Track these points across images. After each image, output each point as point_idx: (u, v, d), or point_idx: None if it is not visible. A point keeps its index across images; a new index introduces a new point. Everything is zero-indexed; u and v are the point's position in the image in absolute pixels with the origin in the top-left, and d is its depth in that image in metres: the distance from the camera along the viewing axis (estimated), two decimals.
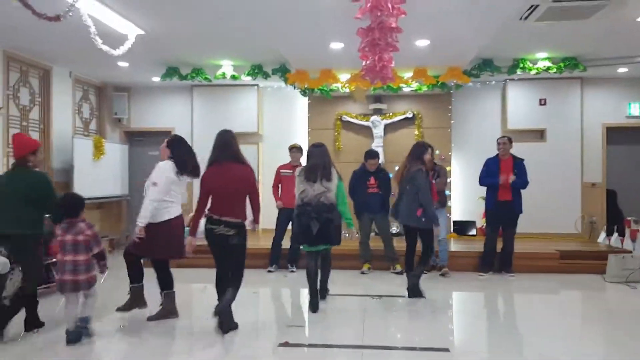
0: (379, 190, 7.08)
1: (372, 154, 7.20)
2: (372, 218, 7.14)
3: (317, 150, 5.39)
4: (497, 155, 7.03)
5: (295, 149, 7.32)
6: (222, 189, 4.49)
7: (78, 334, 4.23)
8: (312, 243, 5.20)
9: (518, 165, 6.90)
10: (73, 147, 8.36)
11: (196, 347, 4.23)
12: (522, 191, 6.87)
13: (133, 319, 4.87)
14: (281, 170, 7.32)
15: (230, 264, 4.58)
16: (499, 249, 7.02)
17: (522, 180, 6.82)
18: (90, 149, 8.74)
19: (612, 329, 4.79)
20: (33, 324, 4.60)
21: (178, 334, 4.67)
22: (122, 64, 8.14)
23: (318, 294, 5.33)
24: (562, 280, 6.74)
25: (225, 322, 4.50)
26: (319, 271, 5.44)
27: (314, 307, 5.20)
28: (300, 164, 7.24)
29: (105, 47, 5.91)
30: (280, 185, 7.31)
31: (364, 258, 7.22)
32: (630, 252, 7.19)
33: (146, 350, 4.18)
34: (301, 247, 5.61)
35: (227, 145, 4.71)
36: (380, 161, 7.42)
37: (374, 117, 9.19)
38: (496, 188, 6.86)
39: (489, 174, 6.95)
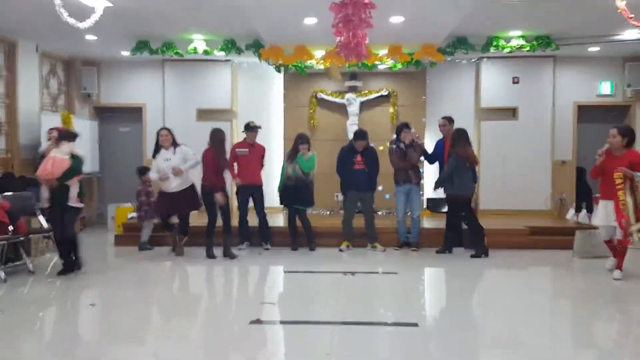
0: (365, 167, 7.11)
1: (360, 135, 7.21)
2: (360, 196, 7.18)
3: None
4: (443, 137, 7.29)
5: (254, 128, 7.26)
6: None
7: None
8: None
9: None
10: (40, 122, 8.15)
11: (169, 325, 4.21)
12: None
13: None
14: (237, 149, 7.26)
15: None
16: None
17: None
18: (58, 125, 8.50)
19: (578, 305, 4.92)
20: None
21: (153, 308, 4.65)
22: (90, 37, 7.92)
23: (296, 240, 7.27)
24: (531, 256, 6.87)
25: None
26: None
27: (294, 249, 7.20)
28: (255, 142, 7.21)
29: (71, 20, 5.71)
30: (236, 164, 7.23)
31: (346, 237, 7.28)
32: (597, 228, 7.34)
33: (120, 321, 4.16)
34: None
35: (219, 141, 6.71)
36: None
37: (349, 95, 9.15)
38: (442, 167, 7.16)
39: (434, 155, 7.31)
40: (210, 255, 6.66)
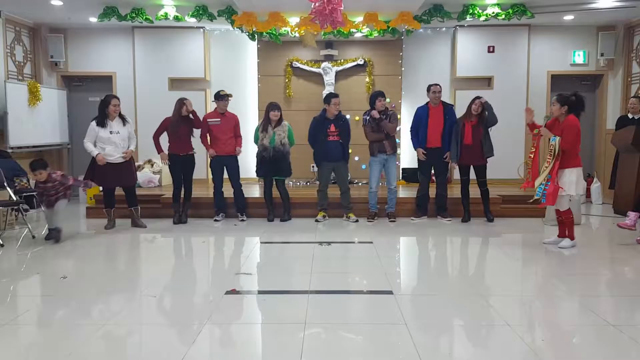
0: (340, 138, 7.06)
1: (333, 94, 7.24)
2: (333, 167, 7.16)
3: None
4: (427, 103, 7.12)
5: (224, 96, 7.12)
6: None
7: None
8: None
9: (449, 111, 7.06)
10: (6, 92, 7.88)
11: (143, 297, 4.17)
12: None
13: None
14: (208, 120, 7.15)
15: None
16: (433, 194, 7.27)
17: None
18: (25, 95, 8.27)
19: (547, 268, 5.03)
20: None
21: (128, 279, 4.59)
22: (56, 2, 7.62)
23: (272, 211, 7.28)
24: (504, 223, 6.99)
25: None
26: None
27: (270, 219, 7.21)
28: (226, 111, 7.09)
29: None
30: (208, 134, 7.17)
31: (321, 206, 7.27)
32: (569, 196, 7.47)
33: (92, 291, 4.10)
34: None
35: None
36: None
37: (325, 64, 9.04)
38: (424, 135, 7.03)
39: (419, 123, 7.10)
40: (175, 222, 7.06)
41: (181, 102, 6.91)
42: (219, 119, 7.09)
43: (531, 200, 5.68)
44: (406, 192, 8.09)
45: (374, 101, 7.02)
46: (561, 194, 5.41)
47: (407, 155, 9.28)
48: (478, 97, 6.92)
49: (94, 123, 6.51)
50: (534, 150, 5.61)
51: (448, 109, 7.08)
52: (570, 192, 5.43)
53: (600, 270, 4.93)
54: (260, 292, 4.27)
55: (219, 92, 7.16)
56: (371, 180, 7.15)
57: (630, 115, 7.74)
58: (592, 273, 4.81)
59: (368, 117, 7.04)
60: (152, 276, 4.83)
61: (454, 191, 7.63)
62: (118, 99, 6.66)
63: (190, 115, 6.92)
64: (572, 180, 5.39)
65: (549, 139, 5.39)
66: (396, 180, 7.31)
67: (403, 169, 9.26)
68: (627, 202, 7.30)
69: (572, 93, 5.44)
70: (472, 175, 7.06)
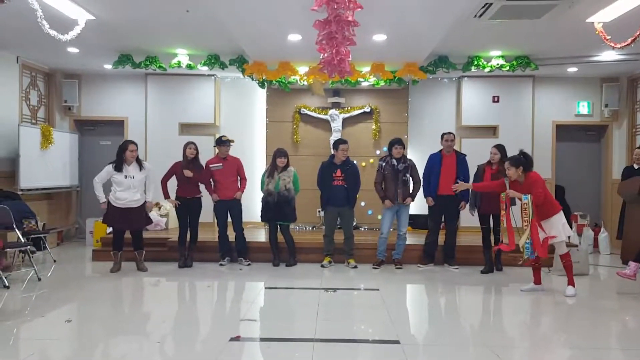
0: (345, 183, 7.11)
1: (342, 140, 7.32)
2: (338, 211, 7.18)
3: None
4: (441, 150, 7.14)
5: (226, 142, 7.21)
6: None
7: None
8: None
9: (461, 161, 7.06)
10: (19, 135, 8.03)
11: (147, 342, 4.13)
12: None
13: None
14: (211, 165, 7.22)
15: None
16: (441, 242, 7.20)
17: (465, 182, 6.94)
18: (37, 138, 8.42)
19: (553, 320, 4.95)
20: None
21: (132, 324, 4.56)
22: (72, 50, 7.86)
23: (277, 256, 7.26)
24: (512, 273, 6.89)
25: None
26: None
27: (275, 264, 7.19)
28: (228, 156, 7.17)
29: (52, 32, 5.66)
30: (212, 180, 7.22)
31: (327, 251, 7.26)
32: (576, 246, 7.44)
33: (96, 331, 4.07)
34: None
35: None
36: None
37: (332, 111, 9.20)
38: (436, 182, 7.00)
39: (431, 171, 7.06)
40: (180, 265, 7.07)
41: (187, 146, 7.07)
42: (221, 164, 7.17)
43: (521, 262, 5.83)
44: (413, 238, 8.04)
45: (391, 148, 7.05)
46: (557, 240, 5.64)
47: (414, 202, 9.27)
48: (499, 146, 6.97)
49: (110, 166, 6.62)
50: (504, 212, 5.81)
51: (461, 158, 7.08)
52: (568, 234, 5.77)
53: (608, 322, 4.85)
54: (264, 340, 4.23)
55: (220, 137, 7.29)
56: (383, 225, 7.13)
57: (635, 166, 7.77)
58: (600, 324, 4.74)
59: (384, 164, 7.07)
60: (156, 321, 4.80)
61: (462, 239, 7.59)
62: (135, 144, 6.77)
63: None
64: (563, 223, 5.68)
65: (521, 199, 5.63)
66: (407, 226, 7.27)
67: (410, 215, 9.23)
68: (634, 252, 7.25)
69: (520, 153, 5.81)
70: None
